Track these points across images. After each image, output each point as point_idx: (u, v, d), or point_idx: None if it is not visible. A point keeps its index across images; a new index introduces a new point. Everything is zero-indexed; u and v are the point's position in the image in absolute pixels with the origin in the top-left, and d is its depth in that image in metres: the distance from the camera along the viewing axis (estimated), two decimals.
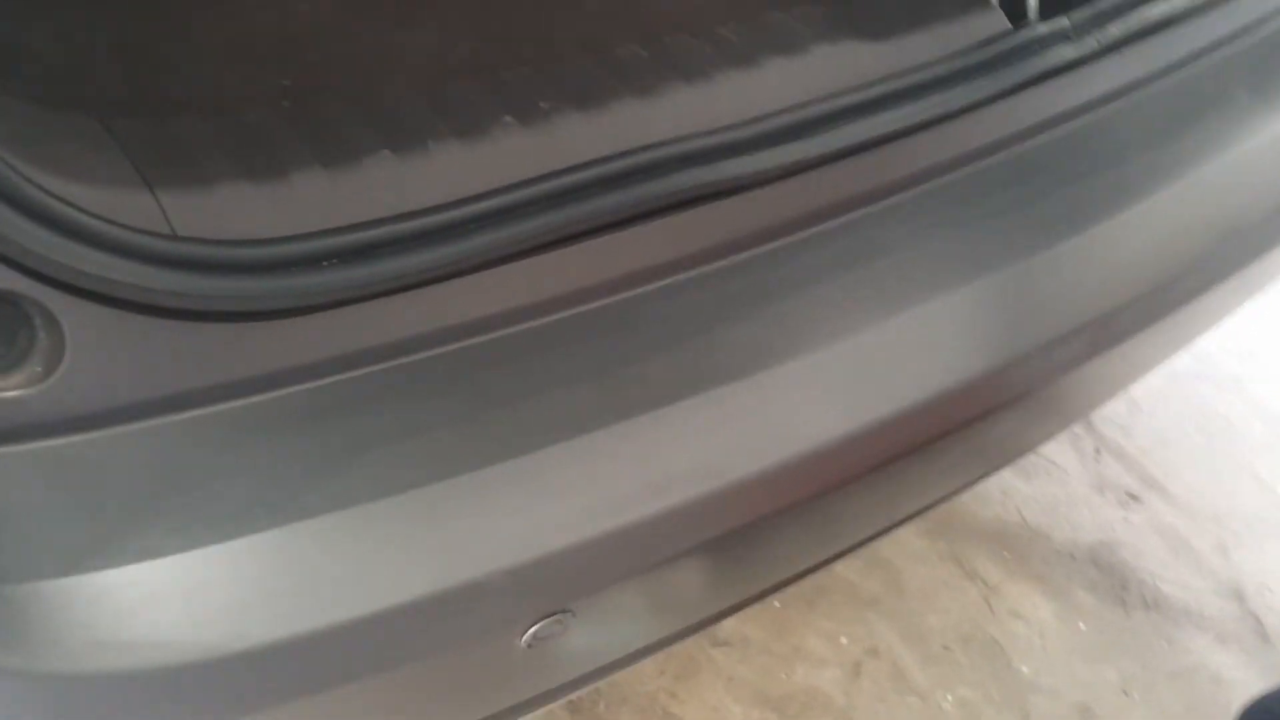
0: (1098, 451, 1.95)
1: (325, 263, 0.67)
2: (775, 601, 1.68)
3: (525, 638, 0.71)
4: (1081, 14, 0.93)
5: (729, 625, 1.63)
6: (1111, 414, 2.00)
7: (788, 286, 0.82)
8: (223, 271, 0.65)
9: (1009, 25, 0.92)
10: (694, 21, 0.84)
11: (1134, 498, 1.89)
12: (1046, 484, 1.89)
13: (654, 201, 0.76)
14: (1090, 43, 0.92)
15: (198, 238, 0.65)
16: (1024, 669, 1.64)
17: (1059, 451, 1.93)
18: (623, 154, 0.75)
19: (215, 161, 0.69)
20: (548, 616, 0.71)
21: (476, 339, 0.70)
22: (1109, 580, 1.77)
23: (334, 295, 0.66)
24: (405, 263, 0.67)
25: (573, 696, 1.50)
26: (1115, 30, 0.93)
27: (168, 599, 0.62)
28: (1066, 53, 0.92)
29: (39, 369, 0.62)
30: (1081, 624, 1.71)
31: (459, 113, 0.74)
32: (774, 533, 0.82)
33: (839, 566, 1.73)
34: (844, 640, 1.64)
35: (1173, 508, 1.88)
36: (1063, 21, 0.92)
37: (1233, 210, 0.96)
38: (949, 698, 1.60)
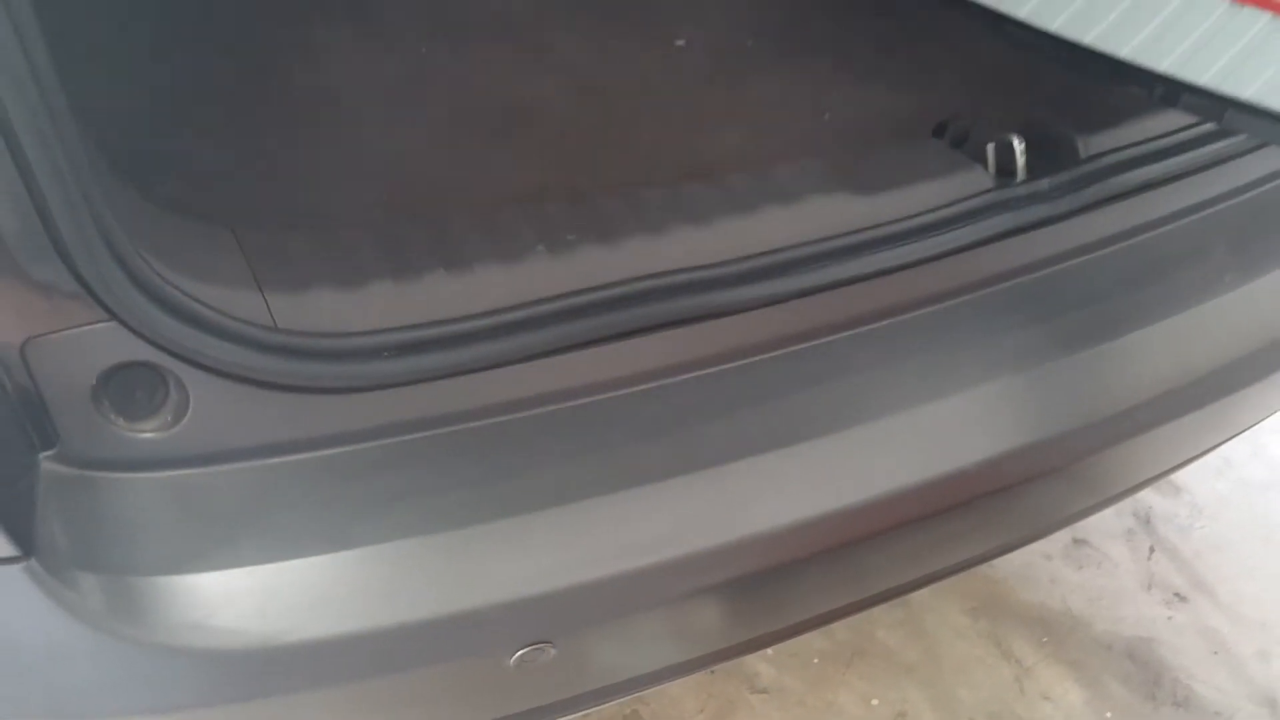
0: (1151, 550, 2.02)
1: (384, 354, 0.88)
2: (815, 658, 1.82)
3: (514, 659, 0.90)
4: (1060, 178, 1.07)
5: (769, 674, 1.79)
6: (1171, 513, 2.08)
7: (777, 391, 1.00)
8: (307, 357, 0.87)
9: (991, 183, 1.07)
10: (708, 171, 1.02)
11: (1181, 598, 1.95)
12: (1096, 575, 1.98)
13: (661, 317, 0.95)
14: (1064, 204, 1.07)
15: (291, 330, 0.87)
16: None
17: (1113, 545, 2.02)
18: (629, 280, 0.94)
19: (312, 268, 0.91)
20: (532, 644, 0.90)
21: (494, 419, 0.90)
22: (1143, 674, 1.84)
23: (386, 380, 0.87)
24: (443, 359, 0.88)
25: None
26: (1089, 194, 1.08)
27: (244, 599, 0.83)
28: (1042, 210, 1.07)
29: (169, 418, 0.85)
30: (1109, 714, 1.79)
31: (502, 239, 0.94)
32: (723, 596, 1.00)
33: (880, 632, 1.86)
34: (875, 702, 1.77)
35: (1219, 611, 1.94)
36: (1041, 184, 1.07)
37: (1178, 361, 1.09)
38: None
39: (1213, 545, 2.04)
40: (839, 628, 1.84)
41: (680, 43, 1.31)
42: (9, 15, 0.67)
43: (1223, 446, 2.06)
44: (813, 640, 1.83)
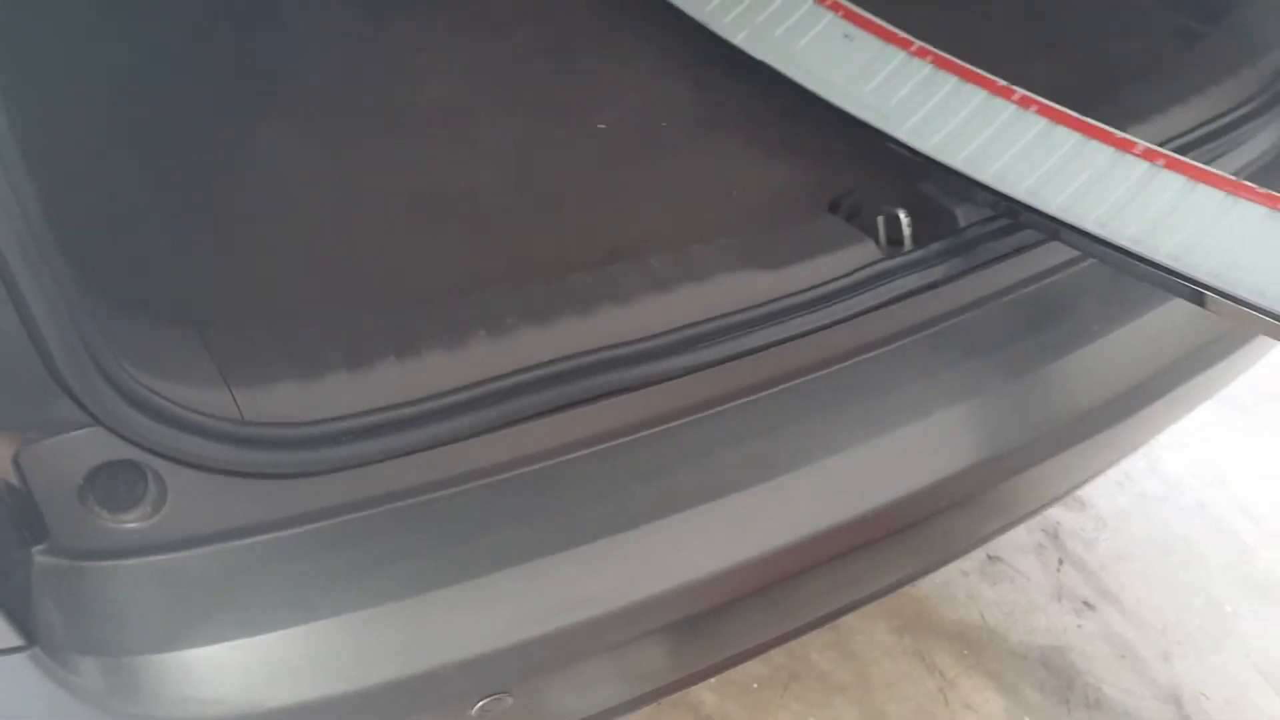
0: (1060, 563, 2.17)
1: (343, 439, 0.98)
2: (754, 684, 1.93)
3: (474, 710, 1.00)
4: (943, 245, 1.20)
5: (713, 701, 1.89)
6: (1078, 528, 2.23)
7: (698, 451, 1.11)
8: (272, 446, 0.96)
9: (882, 254, 1.19)
10: (632, 252, 1.14)
11: (1089, 606, 2.10)
12: (1009, 590, 2.12)
13: (594, 390, 1.06)
14: (949, 267, 1.20)
15: (257, 421, 0.96)
16: None
17: (1024, 560, 2.16)
18: (564, 358, 1.05)
19: (273, 362, 1.00)
20: (491, 695, 1.00)
21: (445, 492, 1.00)
22: (1056, 681, 1.98)
23: (345, 463, 0.97)
24: (396, 440, 0.98)
25: None
26: (970, 258, 1.21)
27: (227, 671, 0.92)
28: (933, 274, 1.20)
29: (149, 509, 0.93)
30: (1026, 718, 1.92)
31: (446, 325, 1.04)
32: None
33: (814, 655, 1.98)
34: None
35: (1124, 618, 2.08)
36: (927, 251, 1.20)
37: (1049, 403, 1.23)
38: None
39: (1116, 556, 2.19)
40: (776, 653, 1.95)
41: (601, 126, 1.42)
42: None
43: (1121, 463, 2.22)
44: (751, 667, 1.94)
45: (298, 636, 0.94)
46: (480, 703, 0.99)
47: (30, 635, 0.86)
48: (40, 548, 0.91)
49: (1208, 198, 1.09)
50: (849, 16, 1.41)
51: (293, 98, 1.41)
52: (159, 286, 1.08)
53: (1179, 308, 1.28)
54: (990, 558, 2.17)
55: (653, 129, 1.44)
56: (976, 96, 1.24)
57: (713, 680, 1.91)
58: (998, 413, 1.23)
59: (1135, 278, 1.12)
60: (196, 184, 1.23)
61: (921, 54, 1.30)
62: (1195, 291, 1.05)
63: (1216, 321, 1.33)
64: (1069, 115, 1.21)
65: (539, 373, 1.04)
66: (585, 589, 1.03)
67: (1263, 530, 2.25)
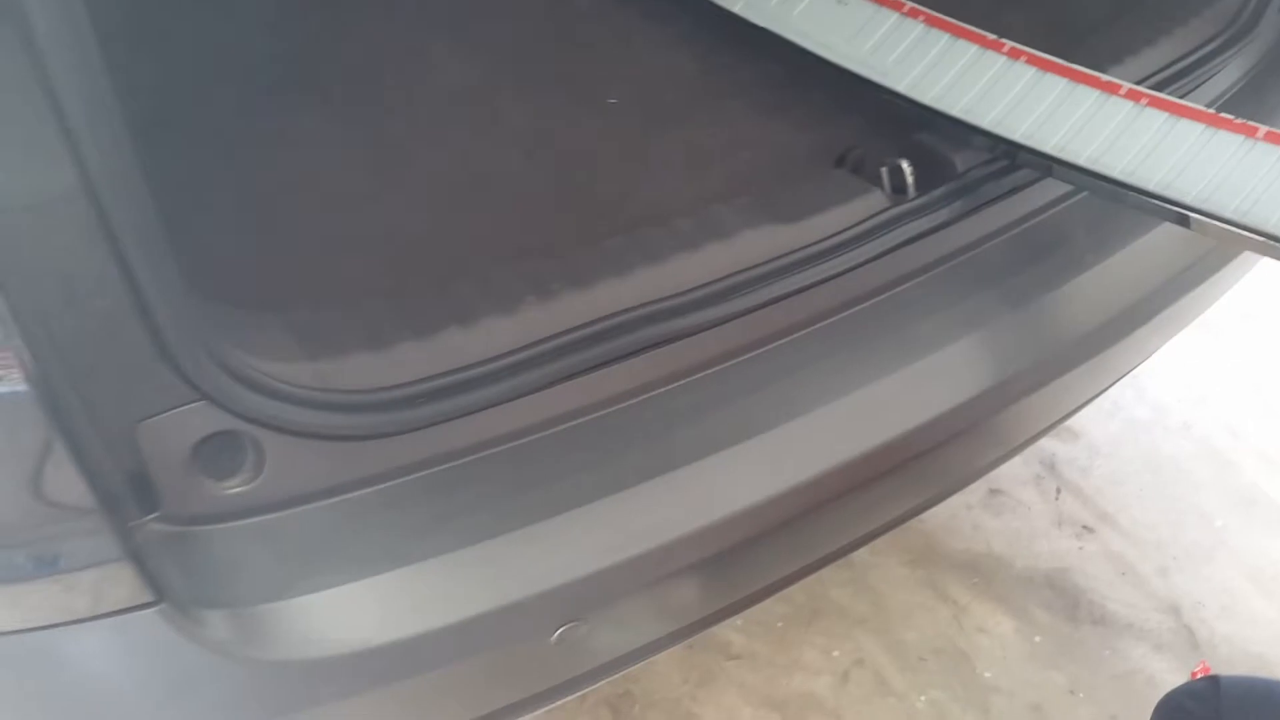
0: (1058, 491, 2.29)
1: (416, 401, 1.07)
2: (779, 622, 2.04)
3: (554, 637, 1.10)
4: (940, 191, 1.30)
5: (740, 642, 2.00)
6: (1072, 457, 2.35)
7: (733, 395, 1.21)
8: (354, 411, 1.05)
9: (889, 202, 1.29)
10: (659, 216, 1.23)
11: (1088, 530, 2.22)
12: (1012, 519, 2.23)
13: (638, 344, 1.16)
14: (950, 211, 1.30)
15: (339, 389, 1.05)
16: (986, 674, 1.98)
17: (1024, 491, 2.28)
18: (608, 316, 1.14)
19: (348, 338, 1.09)
20: (568, 623, 1.10)
21: (513, 444, 1.10)
22: (1062, 600, 2.10)
23: (421, 423, 1.06)
24: (464, 400, 1.07)
25: (613, 700, 1.88)
26: (970, 201, 1.31)
27: (329, 615, 1.02)
28: (936, 218, 1.30)
29: (250, 474, 1.02)
30: (1037, 637, 2.04)
31: (498, 294, 1.13)
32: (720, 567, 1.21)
33: (832, 592, 2.09)
34: (835, 653, 2.00)
35: (1122, 538, 2.21)
36: (925, 198, 1.30)
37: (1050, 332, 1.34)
38: (922, 699, 1.94)
39: (1110, 480, 2.31)
40: (797, 592, 2.06)
41: (613, 101, 1.51)
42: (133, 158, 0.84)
43: (1111, 391, 2.34)
44: (774, 607, 2.05)
45: (395, 579, 1.03)
46: (559, 630, 1.09)
47: (159, 592, 0.95)
48: (154, 515, 0.99)
49: (1189, 131, 1.20)
50: None
51: (325, 94, 1.49)
52: (236, 275, 1.16)
53: (1163, 235, 1.40)
54: (992, 491, 2.28)
55: (661, 100, 1.53)
56: (968, 51, 1.34)
57: (739, 622, 2.02)
58: (1004, 342, 1.33)
59: (1127, 206, 1.22)
60: (245, 178, 1.31)
61: (913, 14, 1.40)
62: (1182, 215, 1.15)
63: (1199, 245, 1.44)
64: (1056, 63, 1.30)
65: (588, 330, 1.13)
66: (642, 524, 1.12)
67: (1245, 446, 2.38)
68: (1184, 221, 1.17)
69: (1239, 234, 1.10)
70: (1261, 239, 1.10)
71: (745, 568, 1.31)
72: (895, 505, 1.50)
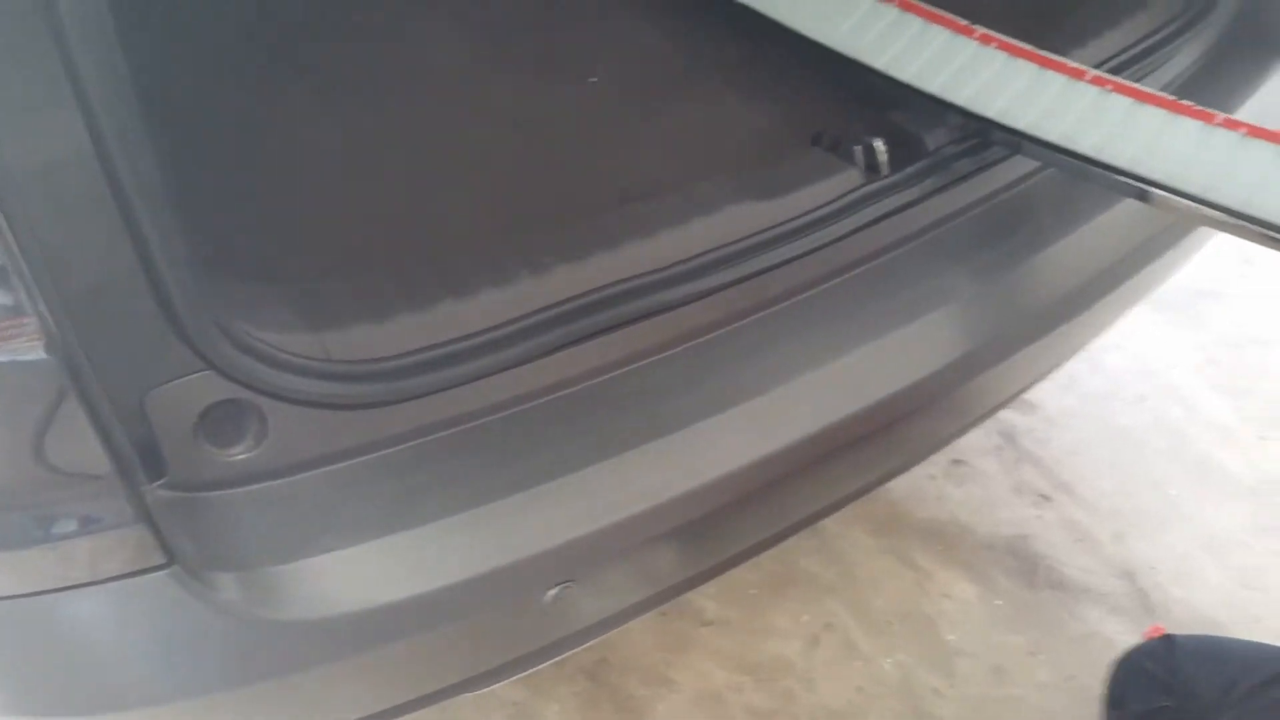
0: (1017, 461, 2.36)
1: (414, 370, 1.10)
2: (752, 590, 2.10)
3: (548, 596, 1.14)
4: (911, 169, 1.35)
5: (713, 609, 2.06)
6: (1030, 428, 2.42)
7: (713, 364, 1.26)
8: (355, 380, 1.08)
9: (863, 179, 1.34)
10: (645, 192, 1.27)
11: (1046, 498, 2.29)
12: (974, 489, 2.30)
13: (623, 315, 1.20)
14: (921, 188, 1.35)
15: (341, 359, 1.09)
16: (950, 637, 2.05)
17: (985, 461, 2.35)
18: (599, 288, 1.18)
19: (345, 309, 1.12)
20: (560, 583, 1.14)
21: (508, 412, 1.14)
22: (1022, 566, 2.17)
23: (419, 390, 1.09)
24: (461, 369, 1.11)
25: (590, 668, 1.93)
26: (940, 178, 1.36)
27: (333, 576, 1.05)
28: (908, 195, 1.35)
29: (253, 442, 1.05)
30: (998, 601, 2.11)
31: (493, 267, 1.17)
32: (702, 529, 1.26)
33: (802, 560, 2.15)
34: (805, 618, 2.06)
35: (1078, 506, 2.28)
36: (898, 176, 1.35)
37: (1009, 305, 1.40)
38: (889, 661, 2.01)
39: (1067, 451, 2.39)
40: (768, 561, 2.12)
41: (593, 80, 1.55)
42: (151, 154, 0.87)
43: (1068, 366, 2.42)
44: (746, 576, 2.11)
45: (393, 543, 1.07)
46: (553, 590, 1.14)
47: (170, 555, 0.98)
48: (161, 482, 1.02)
49: (1151, 116, 1.26)
50: None
51: (317, 75, 1.52)
52: (236, 250, 1.19)
53: (1122, 211, 1.46)
54: (954, 461, 2.35)
55: (640, 80, 1.57)
56: (941, 36, 1.39)
57: (712, 589, 2.08)
58: (972, 314, 1.39)
59: (1093, 183, 1.28)
60: (243, 157, 1.34)
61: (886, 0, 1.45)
62: (1144, 191, 1.21)
63: (1155, 222, 1.51)
64: (1025, 49, 1.36)
65: (579, 302, 1.17)
66: (630, 488, 1.17)
67: (1197, 418, 2.47)
68: (1145, 197, 1.23)
69: (1199, 210, 1.16)
70: (1219, 214, 1.16)
71: (724, 531, 1.36)
72: (870, 469, 1.55)
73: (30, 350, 0.86)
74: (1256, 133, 1.23)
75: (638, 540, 1.20)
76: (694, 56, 1.60)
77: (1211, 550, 2.21)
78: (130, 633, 0.99)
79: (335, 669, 1.08)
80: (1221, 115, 1.27)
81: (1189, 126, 1.25)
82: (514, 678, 1.33)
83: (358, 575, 1.06)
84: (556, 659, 1.35)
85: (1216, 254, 2.70)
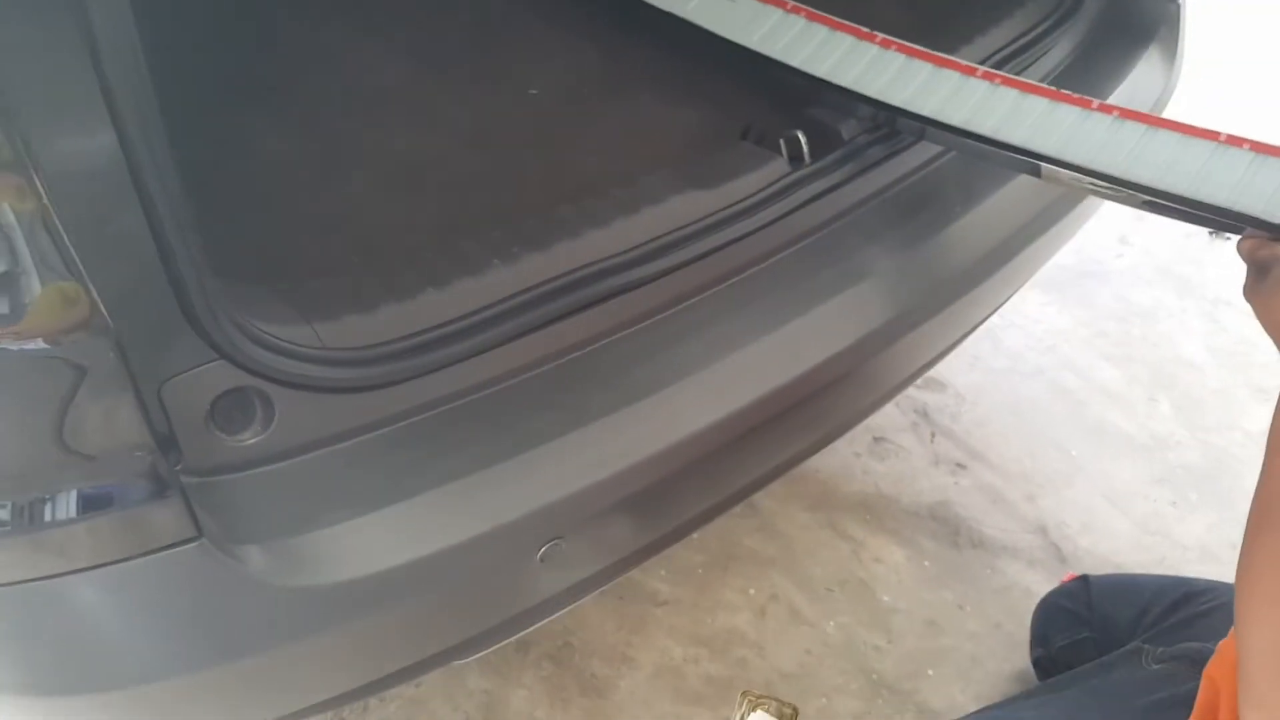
0: (933, 435, 2.54)
1: (403, 355, 1.21)
2: (699, 569, 2.22)
3: (539, 554, 1.25)
4: (830, 157, 1.51)
5: (665, 590, 2.17)
6: (942, 405, 2.60)
7: (669, 339, 1.38)
8: (349, 365, 1.18)
9: (788, 169, 1.49)
10: (600, 187, 1.40)
11: (961, 467, 2.47)
12: (895, 463, 2.47)
13: (587, 298, 1.32)
14: (840, 174, 1.51)
15: (334, 347, 1.19)
16: (885, 598, 2.20)
17: (903, 437, 2.52)
18: (566, 273, 1.30)
19: (335, 302, 1.22)
20: (550, 541, 1.25)
21: (489, 390, 1.25)
22: (945, 529, 2.34)
23: (409, 373, 1.20)
24: (446, 352, 1.22)
25: (554, 652, 2.03)
26: (856, 165, 1.52)
27: (341, 544, 1.15)
28: (829, 181, 1.50)
29: (260, 426, 1.14)
30: (926, 562, 2.27)
31: (466, 260, 1.28)
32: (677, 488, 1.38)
33: (744, 539, 2.28)
34: (752, 592, 2.19)
35: (991, 472, 2.46)
36: (820, 163, 1.50)
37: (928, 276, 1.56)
38: (831, 624, 2.15)
39: (977, 423, 2.57)
40: (712, 541, 2.25)
41: (533, 91, 1.67)
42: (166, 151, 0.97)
43: (971, 347, 2.61)
44: (691, 556, 2.23)
45: (395, 512, 1.17)
46: (543, 548, 1.25)
47: (199, 529, 1.07)
48: (178, 467, 1.11)
49: (1035, 105, 1.42)
50: None
51: (291, 103, 1.62)
52: (240, 255, 1.27)
53: (1014, 190, 1.64)
54: (876, 439, 2.52)
55: (577, 89, 1.70)
56: (845, 42, 1.54)
57: (663, 572, 2.20)
58: (889, 286, 1.54)
59: (990, 162, 1.45)
60: (231, 173, 1.43)
61: (795, 10, 1.60)
62: (1035, 165, 1.38)
63: (1043, 198, 1.69)
64: (921, 50, 1.52)
65: (548, 287, 1.29)
66: (600, 454, 1.29)
67: (1091, 385, 2.68)
68: (1037, 171, 1.40)
69: (1084, 181, 1.33)
70: (1103, 184, 1.33)
71: (681, 494, 1.48)
72: (808, 429, 1.69)
73: (83, 345, 0.95)
74: (1127, 114, 1.41)
75: (609, 500, 1.31)
76: (627, 65, 1.73)
77: (1114, 503, 2.41)
78: (171, 601, 1.07)
79: (348, 630, 1.17)
80: (1097, 101, 1.44)
81: (1069, 114, 1.42)
82: (500, 644, 1.44)
83: (363, 543, 1.15)
84: (539, 624, 1.46)
85: (1094, 236, 2.94)
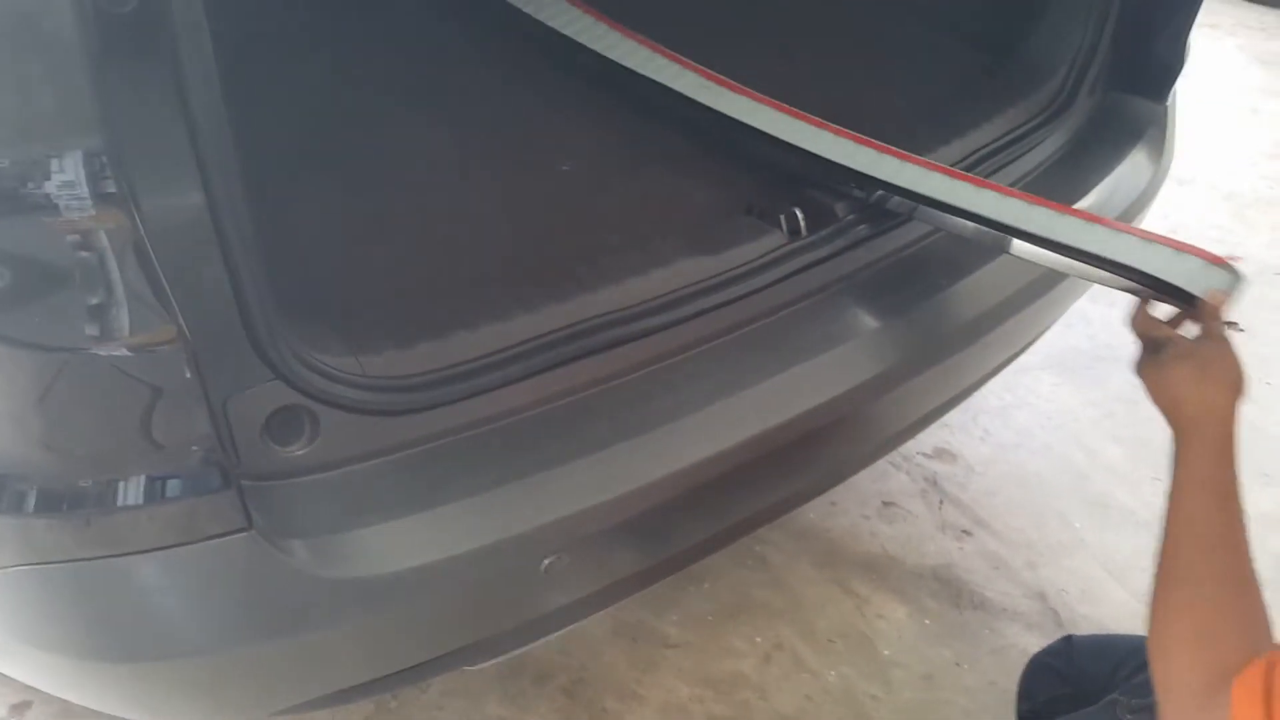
0: (941, 503, 2.66)
1: (433, 385, 1.39)
2: (709, 616, 2.36)
3: (543, 566, 1.41)
4: (825, 232, 1.69)
5: (676, 633, 2.31)
6: (952, 474, 2.73)
7: (669, 384, 1.55)
8: (387, 391, 1.37)
9: (787, 240, 1.67)
10: (616, 250, 1.59)
11: (967, 533, 2.59)
12: (903, 526, 2.60)
13: (599, 344, 1.50)
14: (834, 246, 1.68)
15: (375, 376, 1.37)
16: (886, 652, 2.32)
17: (912, 503, 2.65)
18: (585, 320, 1.48)
19: (378, 338, 1.41)
20: (553, 554, 1.42)
21: (509, 420, 1.43)
22: (947, 590, 2.46)
23: (437, 401, 1.38)
24: (474, 383, 1.40)
25: (569, 687, 2.17)
26: (849, 238, 1.70)
27: (371, 544, 1.32)
28: (822, 253, 1.68)
29: (307, 440, 1.33)
30: (927, 620, 2.39)
31: (492, 307, 1.47)
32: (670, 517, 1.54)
33: (754, 591, 2.42)
34: (758, 640, 2.32)
35: (996, 539, 2.58)
36: (814, 237, 1.68)
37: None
38: (833, 674, 2.27)
39: (985, 493, 2.70)
40: (722, 591, 2.39)
41: (565, 168, 1.88)
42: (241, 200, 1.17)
43: (982, 421, 2.74)
44: (702, 604, 2.37)
45: (419, 520, 1.34)
46: (547, 560, 1.41)
47: (250, 521, 1.25)
48: (236, 469, 1.29)
49: (1013, 205, 1.60)
50: (710, 78, 1.91)
51: (342, 164, 1.84)
52: (298, 294, 1.46)
53: (999, 268, 1.80)
54: (885, 503, 2.65)
55: (600, 164, 1.91)
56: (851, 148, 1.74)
57: (674, 617, 2.34)
58: (874, 347, 1.69)
59: (975, 239, 1.61)
60: (289, 227, 1.64)
61: (839, 133, 1.79)
62: (1006, 239, 1.55)
63: (1022, 277, 1.85)
64: (915, 158, 1.71)
65: (563, 333, 1.47)
66: (600, 480, 1.45)
67: (1097, 462, 2.80)
68: (1006, 247, 1.57)
69: (1062, 260, 1.51)
70: (1079, 263, 1.50)
71: (672, 525, 1.64)
72: (786, 482, 1.82)
73: (167, 360, 1.15)
74: (1092, 219, 1.57)
75: (612, 521, 1.48)
76: (648, 145, 1.94)
77: (1112, 573, 2.51)
78: (220, 583, 1.25)
79: (373, 620, 1.34)
80: (1069, 207, 1.61)
81: (1040, 214, 1.58)
82: (508, 654, 1.60)
83: (391, 544, 1.32)
84: (543, 639, 1.62)
85: (1109, 323, 3.07)
